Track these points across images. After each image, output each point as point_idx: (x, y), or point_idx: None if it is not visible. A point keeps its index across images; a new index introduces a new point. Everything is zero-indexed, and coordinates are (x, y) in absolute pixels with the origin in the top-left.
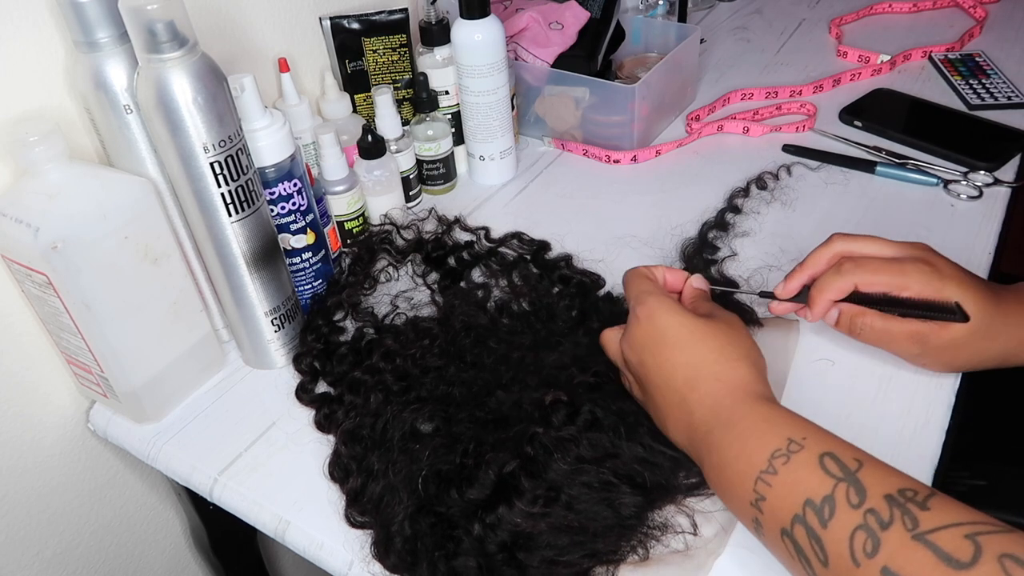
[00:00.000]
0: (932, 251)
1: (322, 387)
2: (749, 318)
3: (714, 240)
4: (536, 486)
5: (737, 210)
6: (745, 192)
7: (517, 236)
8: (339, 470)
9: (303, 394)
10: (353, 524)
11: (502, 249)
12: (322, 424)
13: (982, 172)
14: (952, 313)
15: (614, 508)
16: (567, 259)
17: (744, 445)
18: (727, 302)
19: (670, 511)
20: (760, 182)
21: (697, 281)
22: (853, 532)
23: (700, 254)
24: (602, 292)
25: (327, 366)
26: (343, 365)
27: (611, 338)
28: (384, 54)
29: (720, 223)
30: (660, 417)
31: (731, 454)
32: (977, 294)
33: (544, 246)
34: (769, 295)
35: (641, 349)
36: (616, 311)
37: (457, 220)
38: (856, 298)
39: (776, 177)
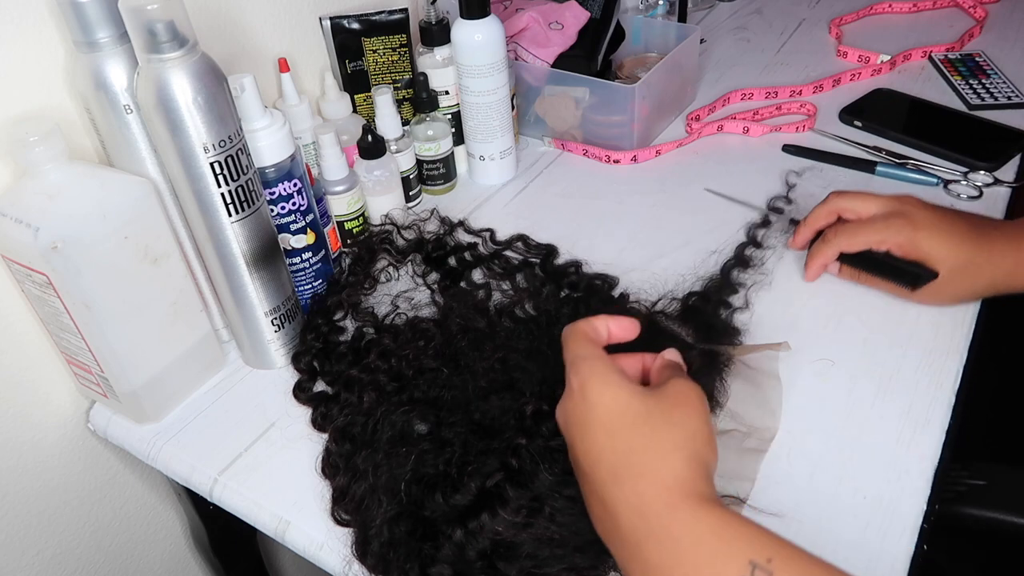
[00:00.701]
0: (914, 203)
1: (320, 386)
2: (722, 363)
3: (736, 280)
4: (521, 496)
5: (758, 244)
6: (764, 223)
7: (522, 239)
8: (329, 467)
9: (300, 393)
10: (338, 522)
11: (506, 252)
12: (318, 423)
13: (982, 172)
14: (916, 277)
15: None
16: (576, 265)
17: (693, 570)
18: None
19: None
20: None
21: (671, 354)
22: None
23: (718, 294)
24: (615, 293)
25: (326, 365)
26: (341, 364)
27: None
28: (384, 54)
29: (741, 259)
30: (588, 511)
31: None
32: (951, 239)
33: (552, 251)
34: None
35: (570, 425)
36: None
37: (461, 223)
38: (844, 257)
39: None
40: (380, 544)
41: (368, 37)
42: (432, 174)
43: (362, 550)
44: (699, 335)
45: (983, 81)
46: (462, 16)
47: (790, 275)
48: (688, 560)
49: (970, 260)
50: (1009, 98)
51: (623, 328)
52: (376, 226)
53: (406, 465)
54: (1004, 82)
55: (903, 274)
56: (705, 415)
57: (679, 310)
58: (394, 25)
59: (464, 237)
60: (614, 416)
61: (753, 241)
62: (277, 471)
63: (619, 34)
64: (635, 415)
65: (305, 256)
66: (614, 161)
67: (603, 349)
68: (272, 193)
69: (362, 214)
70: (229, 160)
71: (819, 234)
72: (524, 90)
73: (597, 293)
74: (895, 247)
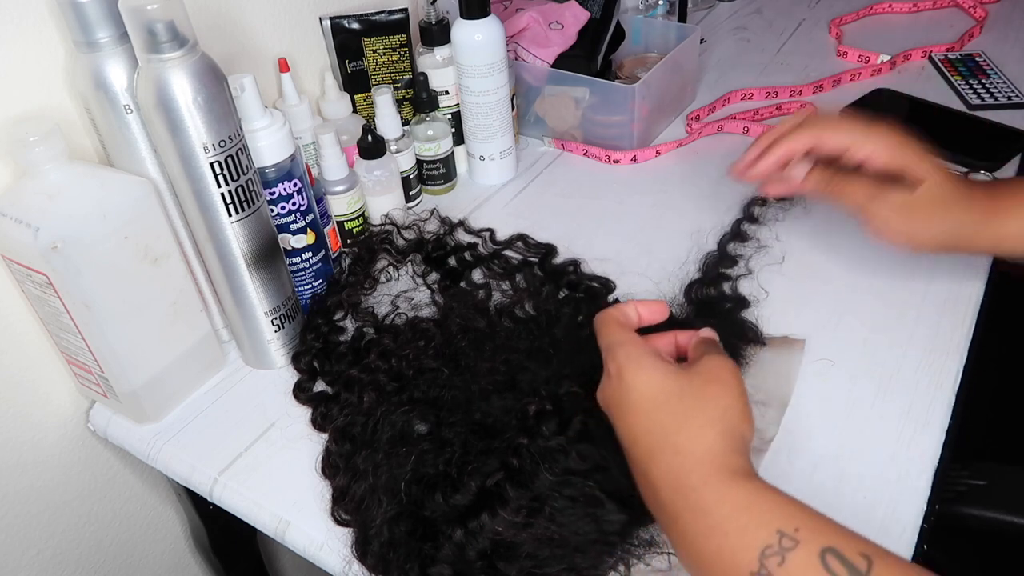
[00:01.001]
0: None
1: (320, 387)
2: (754, 336)
3: (734, 252)
4: (521, 496)
5: (754, 219)
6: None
7: (522, 238)
8: (329, 467)
9: (300, 393)
10: (338, 522)
11: (506, 252)
12: (318, 423)
13: (982, 172)
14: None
15: (598, 523)
16: (575, 264)
17: (725, 539)
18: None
19: (657, 528)
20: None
21: (706, 332)
22: None
23: (717, 268)
24: (611, 298)
25: (326, 365)
26: (341, 364)
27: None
28: (384, 54)
29: (737, 234)
30: (637, 484)
31: (709, 549)
32: (936, 163)
33: (551, 250)
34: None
35: (611, 408)
36: None
37: (461, 223)
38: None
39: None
40: (380, 544)
41: (368, 37)
42: (432, 174)
43: (362, 550)
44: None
45: (983, 81)
46: (462, 16)
47: (790, 275)
48: (719, 530)
49: (950, 189)
50: (1009, 98)
51: (652, 311)
52: (376, 226)
53: (406, 465)
54: (1004, 82)
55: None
56: (739, 389)
57: (691, 311)
58: (394, 25)
59: (464, 237)
60: (649, 397)
61: (750, 217)
62: (277, 471)
63: (619, 34)
64: (668, 394)
65: (305, 256)
66: (614, 161)
67: (635, 332)
68: (272, 193)
69: (362, 214)
70: (229, 160)
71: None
72: (524, 90)
73: (595, 297)
74: (881, 150)
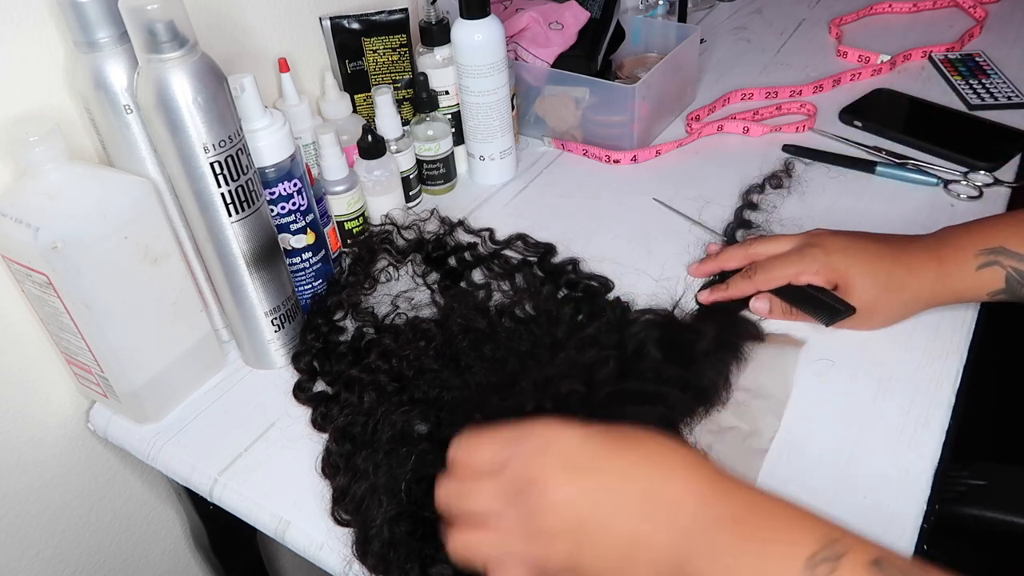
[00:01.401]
0: (824, 232)
1: (320, 386)
2: (755, 332)
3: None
4: None
5: (755, 207)
6: (760, 188)
7: (522, 238)
8: (329, 467)
9: (300, 392)
10: (338, 522)
11: (506, 251)
12: (318, 423)
13: (982, 172)
14: (833, 312)
15: None
16: (574, 263)
17: (763, 553)
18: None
19: None
20: (775, 180)
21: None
22: None
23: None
24: (610, 296)
25: (326, 365)
26: (341, 364)
27: None
28: (384, 54)
29: (744, 222)
30: None
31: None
32: (866, 257)
33: (550, 249)
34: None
35: None
36: (624, 318)
37: (461, 223)
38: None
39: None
40: (380, 544)
41: (368, 37)
42: (432, 174)
43: (362, 550)
44: (721, 331)
45: (983, 81)
46: (462, 16)
47: None
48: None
49: (889, 276)
50: (1009, 98)
51: None
52: (376, 226)
53: (406, 465)
54: (1004, 82)
55: (822, 308)
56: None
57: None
58: (394, 25)
59: (464, 237)
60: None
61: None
62: (277, 471)
63: (619, 34)
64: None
65: (305, 256)
66: (614, 161)
67: None
68: (272, 193)
69: (362, 214)
70: (229, 160)
71: (722, 275)
72: (524, 90)
73: (594, 296)
74: (812, 276)
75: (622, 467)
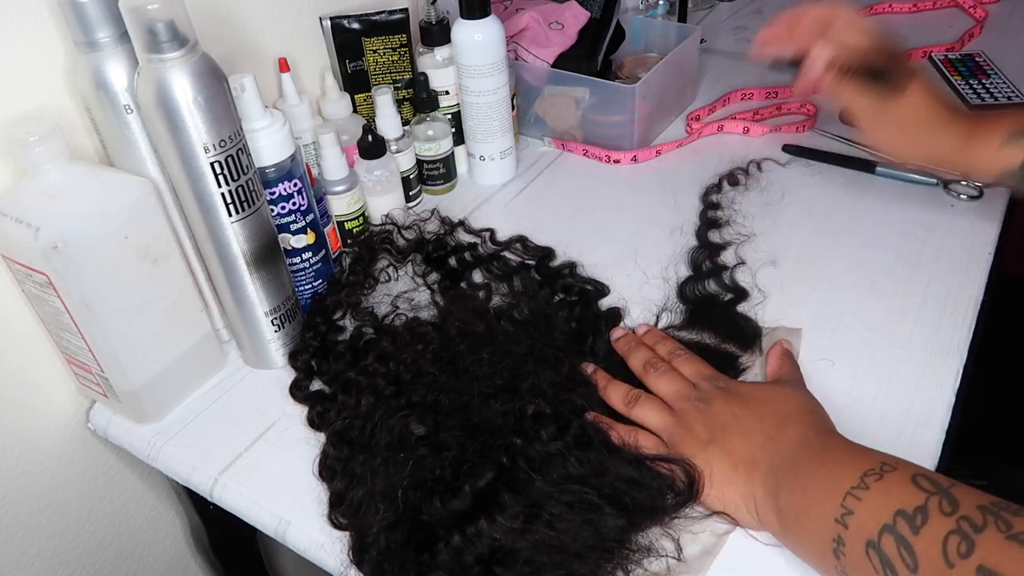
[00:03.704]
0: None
1: (317, 385)
2: (753, 331)
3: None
4: (519, 501)
5: (717, 206)
6: (732, 181)
7: (521, 240)
8: (327, 470)
9: (297, 391)
10: (335, 526)
11: (505, 253)
12: (314, 422)
13: None
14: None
15: (596, 529)
16: (571, 267)
17: (836, 465)
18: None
19: (655, 533)
20: (732, 178)
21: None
22: (946, 536)
23: (707, 260)
24: (604, 301)
25: (323, 364)
26: (339, 364)
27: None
28: (384, 54)
29: (710, 221)
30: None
31: (820, 475)
32: (925, 84)
33: (548, 253)
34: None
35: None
36: (617, 324)
37: (461, 223)
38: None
39: (759, 167)
40: (377, 552)
41: (368, 37)
42: (432, 174)
43: (358, 557)
44: (718, 336)
45: (983, 81)
46: (462, 16)
47: (788, 278)
48: (835, 459)
49: (936, 113)
50: (1009, 98)
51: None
52: (376, 226)
53: (404, 470)
54: (1004, 82)
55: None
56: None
57: (686, 313)
58: (394, 25)
59: (464, 237)
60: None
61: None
62: (277, 471)
63: (619, 34)
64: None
65: (305, 256)
66: (614, 161)
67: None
68: (272, 193)
69: (362, 214)
70: (229, 160)
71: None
72: (524, 90)
73: (589, 300)
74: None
75: (768, 413)
